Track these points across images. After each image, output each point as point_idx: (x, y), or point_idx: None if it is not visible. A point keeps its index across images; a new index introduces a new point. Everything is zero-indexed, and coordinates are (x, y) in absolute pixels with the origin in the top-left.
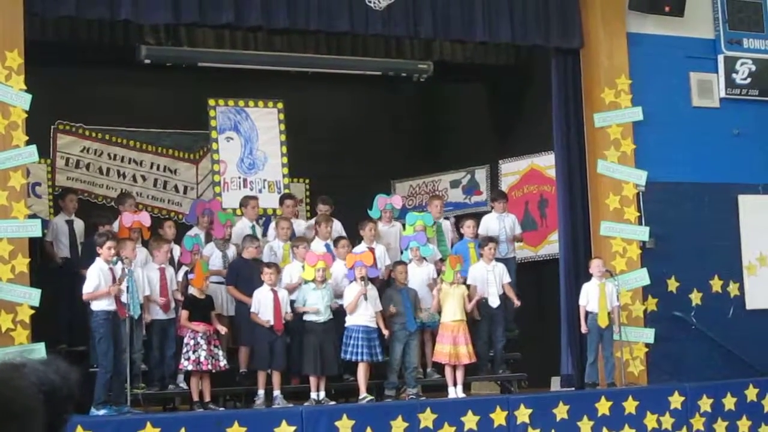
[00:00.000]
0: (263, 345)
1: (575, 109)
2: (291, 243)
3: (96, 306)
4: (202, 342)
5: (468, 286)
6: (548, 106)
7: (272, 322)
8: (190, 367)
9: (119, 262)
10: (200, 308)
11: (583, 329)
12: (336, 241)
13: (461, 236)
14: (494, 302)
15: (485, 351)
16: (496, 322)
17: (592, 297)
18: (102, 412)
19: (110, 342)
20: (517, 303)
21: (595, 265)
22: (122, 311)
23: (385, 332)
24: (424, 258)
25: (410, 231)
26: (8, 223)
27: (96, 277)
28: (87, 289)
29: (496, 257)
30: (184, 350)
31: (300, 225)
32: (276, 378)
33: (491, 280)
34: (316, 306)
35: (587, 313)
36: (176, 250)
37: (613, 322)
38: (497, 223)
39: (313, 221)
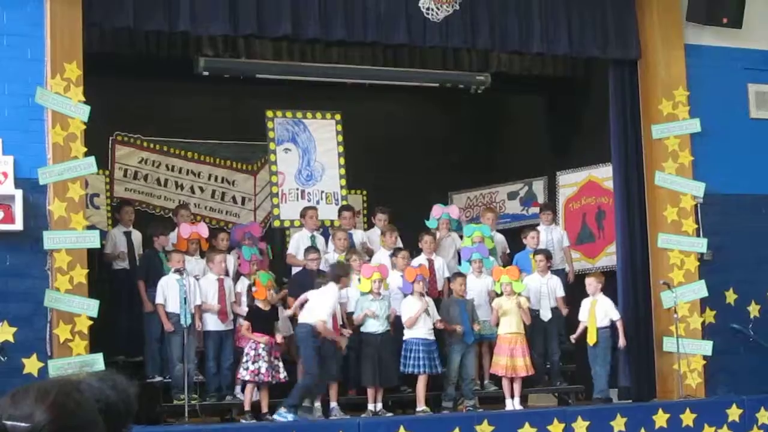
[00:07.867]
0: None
1: (633, 121)
2: (345, 255)
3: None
4: (263, 353)
5: (528, 298)
6: (606, 118)
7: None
8: (247, 378)
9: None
10: (264, 320)
11: (572, 339)
12: (395, 251)
13: (511, 249)
14: (546, 315)
15: (541, 363)
16: (550, 335)
17: (583, 313)
18: None
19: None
20: (564, 310)
21: (587, 283)
22: (167, 325)
23: (439, 325)
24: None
25: (468, 242)
26: (67, 234)
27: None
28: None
29: None
30: (244, 359)
31: (358, 236)
32: (332, 389)
33: (545, 292)
34: (374, 312)
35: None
36: (230, 261)
37: (606, 339)
38: (544, 235)
39: (371, 232)
